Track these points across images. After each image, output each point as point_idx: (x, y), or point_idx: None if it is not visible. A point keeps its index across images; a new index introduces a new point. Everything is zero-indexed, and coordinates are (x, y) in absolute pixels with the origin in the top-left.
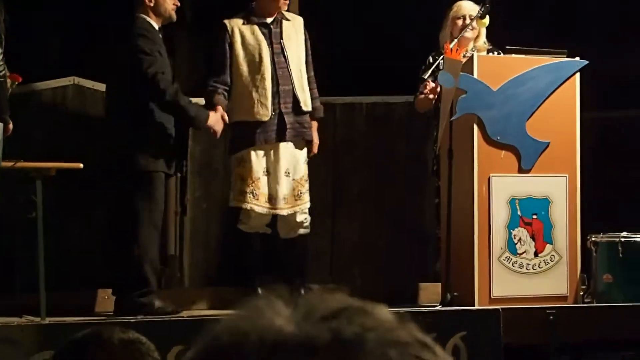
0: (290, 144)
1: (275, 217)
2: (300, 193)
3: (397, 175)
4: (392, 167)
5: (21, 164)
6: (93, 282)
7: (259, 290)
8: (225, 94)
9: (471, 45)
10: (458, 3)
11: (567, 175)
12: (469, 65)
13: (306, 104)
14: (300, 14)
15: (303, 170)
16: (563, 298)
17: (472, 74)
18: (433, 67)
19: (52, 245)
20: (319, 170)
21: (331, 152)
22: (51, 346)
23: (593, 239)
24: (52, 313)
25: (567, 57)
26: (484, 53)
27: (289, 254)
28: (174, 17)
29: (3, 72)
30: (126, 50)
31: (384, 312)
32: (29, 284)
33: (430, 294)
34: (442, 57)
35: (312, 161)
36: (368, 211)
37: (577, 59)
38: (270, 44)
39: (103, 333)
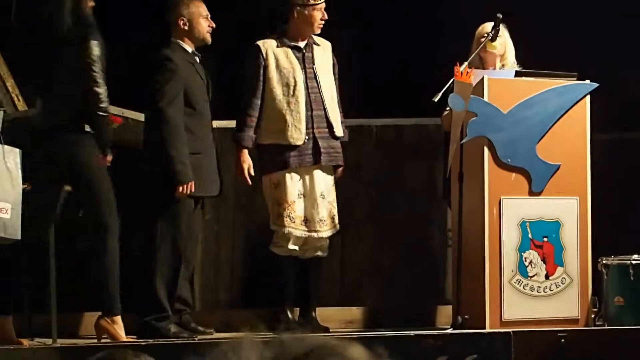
0: (324, 168)
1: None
2: (334, 216)
3: (406, 198)
4: (401, 189)
5: None
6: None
7: (288, 313)
8: (253, 139)
9: (498, 65)
10: (484, 24)
11: (577, 198)
12: (479, 88)
13: (338, 129)
14: None
15: (334, 193)
16: (574, 321)
17: (482, 97)
18: (444, 89)
19: (64, 267)
20: None
21: (340, 174)
22: None
23: (604, 261)
24: (63, 335)
25: (577, 79)
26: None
27: (304, 275)
28: (209, 39)
29: (105, 107)
30: (150, 79)
31: (358, 351)
32: (39, 305)
33: (440, 317)
34: (452, 80)
35: None
36: (376, 233)
37: (587, 81)
38: (304, 68)
39: (116, 356)
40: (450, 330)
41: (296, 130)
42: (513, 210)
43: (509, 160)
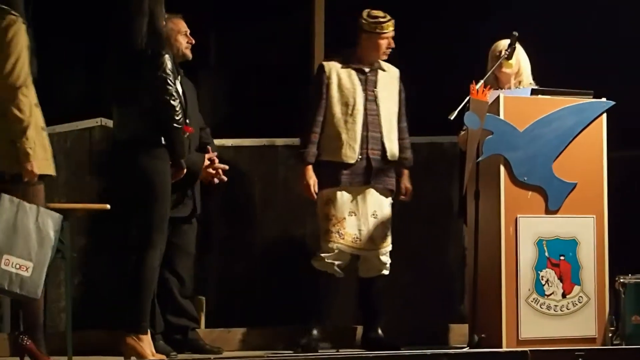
0: (379, 190)
1: (352, 259)
2: (385, 235)
3: (421, 216)
4: (416, 207)
5: (49, 205)
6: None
7: (314, 331)
8: (316, 155)
9: (514, 82)
10: (498, 42)
11: (594, 216)
12: (495, 106)
13: (392, 155)
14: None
15: (388, 213)
16: (591, 340)
17: (498, 115)
18: (460, 107)
19: (78, 285)
20: None
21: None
22: None
23: (621, 280)
24: (78, 353)
25: (593, 97)
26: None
27: (367, 294)
28: (189, 55)
29: (180, 120)
30: None
31: None
32: (53, 324)
33: (457, 335)
34: (468, 98)
35: None
36: (393, 251)
37: (604, 99)
38: (365, 90)
39: None
40: (466, 349)
41: (350, 148)
42: (529, 228)
43: (525, 179)
